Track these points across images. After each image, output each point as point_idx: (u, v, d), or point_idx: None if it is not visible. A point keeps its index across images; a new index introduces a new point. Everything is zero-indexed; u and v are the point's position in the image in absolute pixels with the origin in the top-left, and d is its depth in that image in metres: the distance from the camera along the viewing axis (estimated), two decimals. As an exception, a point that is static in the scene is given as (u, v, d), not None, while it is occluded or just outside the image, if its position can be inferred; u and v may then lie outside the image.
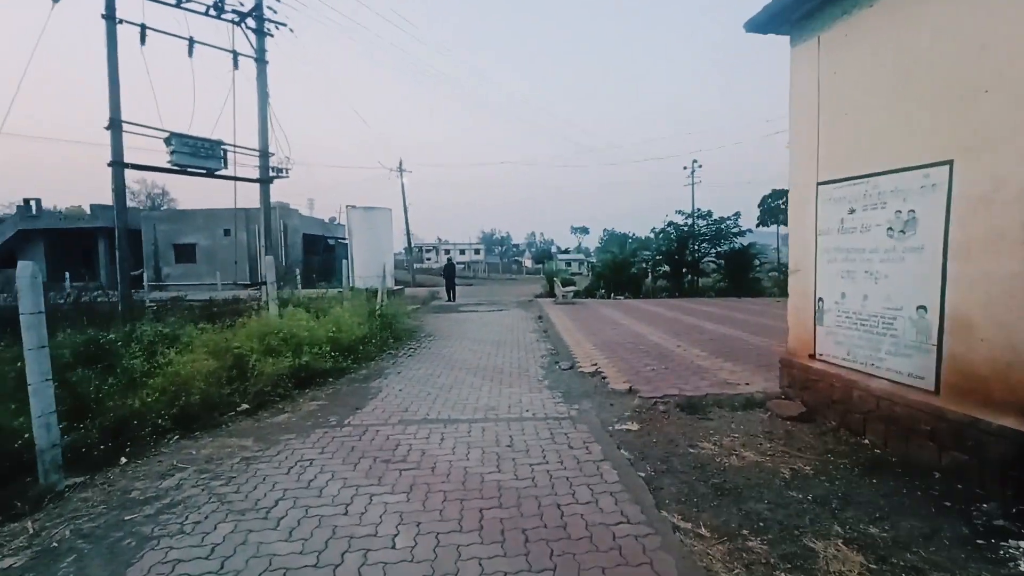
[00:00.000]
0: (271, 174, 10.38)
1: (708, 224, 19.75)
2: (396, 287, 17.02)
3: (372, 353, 7.77)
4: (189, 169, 9.25)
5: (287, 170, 10.31)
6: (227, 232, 29.23)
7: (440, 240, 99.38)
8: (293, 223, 30.35)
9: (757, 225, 21.39)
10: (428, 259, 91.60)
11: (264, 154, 10.29)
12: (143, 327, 7.04)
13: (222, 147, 9.53)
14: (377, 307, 10.64)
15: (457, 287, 20.89)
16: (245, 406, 5.05)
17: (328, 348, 6.54)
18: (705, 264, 20.77)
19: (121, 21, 8.38)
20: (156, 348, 6.28)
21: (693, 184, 34.86)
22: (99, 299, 12.56)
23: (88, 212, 29.21)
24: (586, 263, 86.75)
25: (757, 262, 20.37)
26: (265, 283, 8.17)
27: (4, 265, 31.27)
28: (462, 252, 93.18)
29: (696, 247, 20.31)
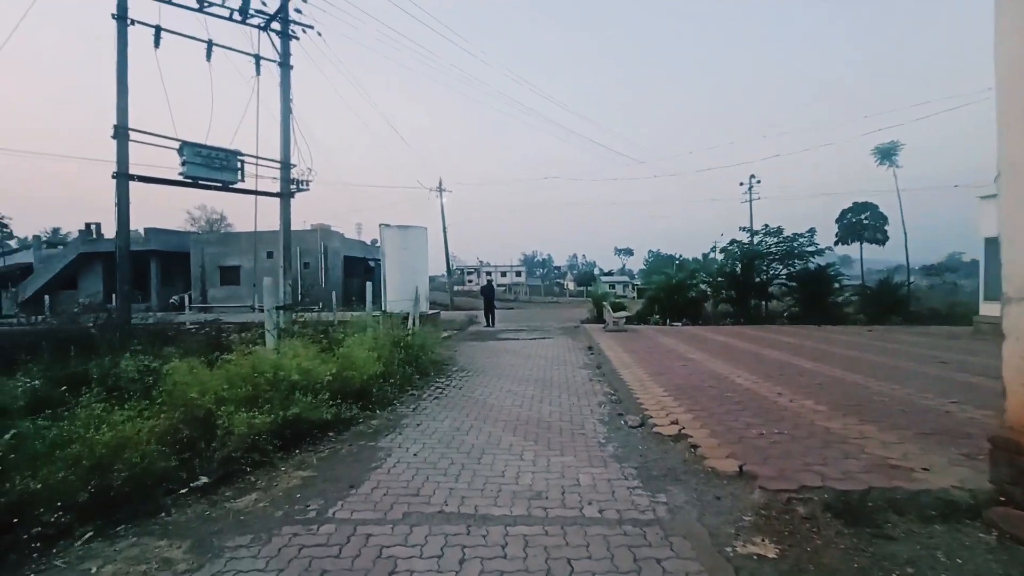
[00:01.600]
0: (292, 188, 9.45)
1: (778, 242, 17.52)
2: (432, 311, 15.83)
3: (390, 396, 6.38)
4: (202, 182, 8.43)
5: (308, 183, 9.37)
6: (270, 255, 29.34)
7: (481, 262, 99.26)
8: (334, 245, 30.20)
9: (836, 243, 18.91)
10: (470, 281, 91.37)
11: (285, 165, 9.39)
12: (127, 361, 5.98)
13: (239, 158, 8.68)
14: (406, 334, 9.35)
15: (497, 311, 19.55)
16: (203, 480, 3.73)
17: (329, 393, 5.19)
18: (775, 287, 18.44)
19: (133, 22, 7.78)
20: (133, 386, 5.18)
21: (751, 200, 32.36)
22: (134, 321, 12.06)
23: (143, 236, 30.17)
24: (630, 285, 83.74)
25: (836, 284, 17.84)
26: (263, 309, 7.05)
27: (68, 286, 32.86)
28: (503, 274, 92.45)
29: (764, 267, 18.04)
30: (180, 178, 8.21)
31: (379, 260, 37.56)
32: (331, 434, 4.98)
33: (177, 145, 8.07)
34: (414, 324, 12.49)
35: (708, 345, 11.41)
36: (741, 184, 32.74)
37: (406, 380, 7.28)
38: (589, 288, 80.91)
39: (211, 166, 8.31)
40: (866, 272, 20.23)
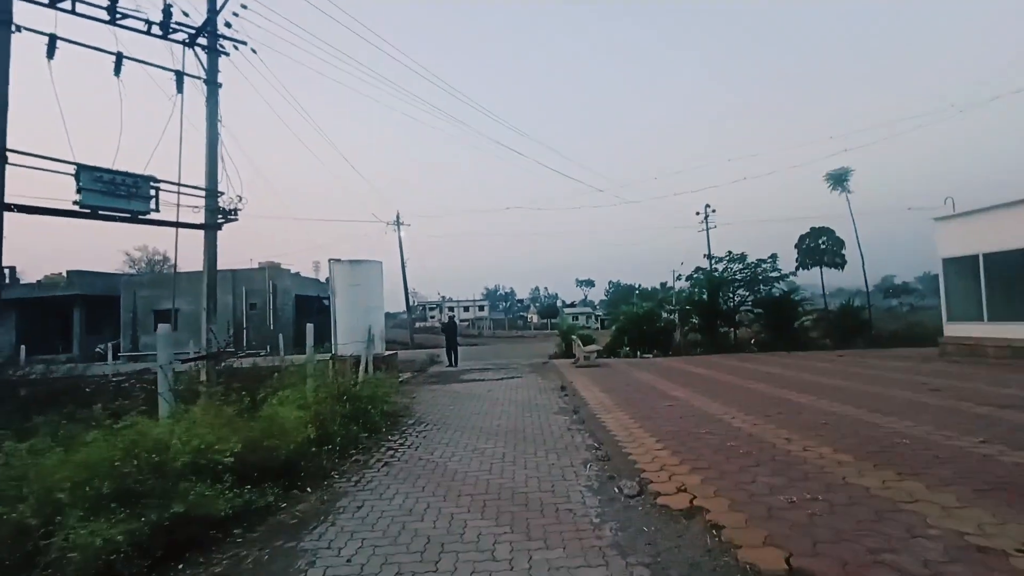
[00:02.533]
0: (219, 219, 8.21)
1: (742, 268, 17.45)
2: (388, 352, 14.49)
3: (326, 467, 5.13)
4: (103, 212, 7.05)
5: (237, 211, 8.13)
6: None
7: (443, 298, 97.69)
8: (284, 284, 28.32)
9: (796, 268, 19.07)
10: (432, 317, 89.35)
11: (211, 194, 8.16)
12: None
13: (152, 184, 7.41)
14: (353, 383, 8.09)
15: (460, 348, 18.38)
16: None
17: (238, 474, 3.94)
18: (741, 314, 18.26)
19: (19, 28, 6.58)
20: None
21: (708, 229, 33.02)
22: (50, 375, 10.17)
23: (64, 279, 27.34)
24: (594, 316, 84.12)
25: (801, 310, 17.82)
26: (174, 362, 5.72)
27: (-29, 339, 29.07)
28: (466, 309, 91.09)
29: (731, 294, 17.86)
30: (76, 208, 6.87)
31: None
32: (238, 531, 3.72)
33: (73, 169, 6.78)
34: (366, 369, 11.19)
35: (687, 379, 10.67)
36: (697, 213, 33.48)
37: (350, 442, 6.03)
38: (554, 320, 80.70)
39: (115, 194, 7.01)
40: (827, 297, 20.55)
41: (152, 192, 7.46)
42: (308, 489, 4.61)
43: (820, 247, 19.02)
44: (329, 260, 13.82)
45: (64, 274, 27.29)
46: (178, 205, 8.17)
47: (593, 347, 14.89)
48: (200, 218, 8.41)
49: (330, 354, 13.11)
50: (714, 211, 33.10)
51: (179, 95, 8.16)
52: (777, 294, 17.58)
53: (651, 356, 16.85)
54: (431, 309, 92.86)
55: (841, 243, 18.84)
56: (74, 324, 27.84)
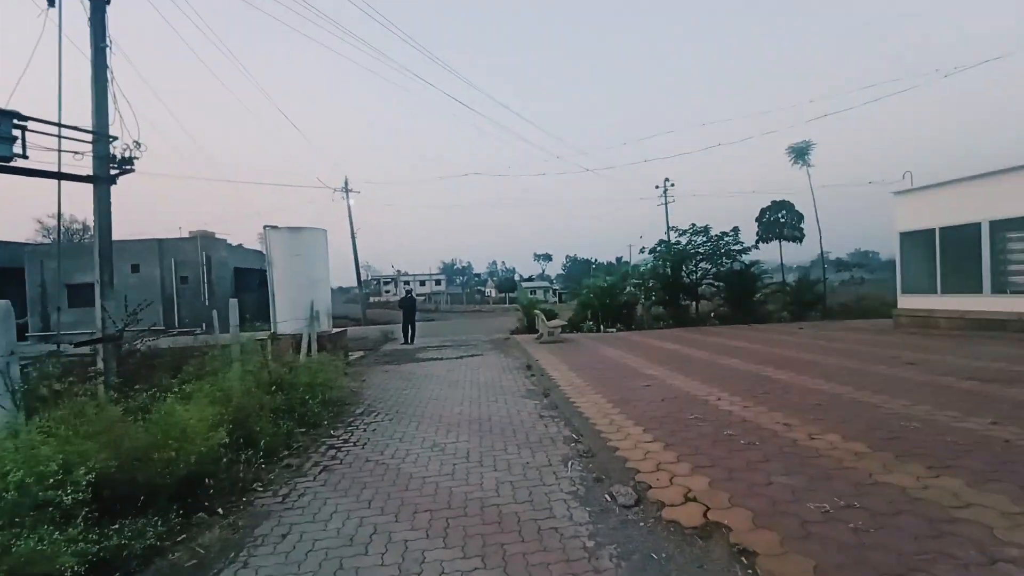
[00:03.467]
0: (113, 169, 6.66)
1: (705, 241, 17.22)
2: (337, 329, 13.24)
3: (246, 478, 4.10)
4: (-59, 157, 5.46)
5: (133, 160, 6.61)
6: (135, 268, 24.49)
7: (399, 272, 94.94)
8: (220, 255, 25.90)
9: (756, 242, 19.09)
10: (387, 292, 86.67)
11: (101, 137, 6.57)
12: None
13: (15, 122, 5.82)
14: (287, 369, 6.97)
15: (419, 323, 17.31)
16: None
17: (103, 504, 2.88)
18: (704, 287, 18.14)
19: None
20: None
21: (667, 203, 33.00)
22: None
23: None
24: (551, 290, 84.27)
25: (760, 283, 17.90)
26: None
27: None
28: (422, 283, 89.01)
29: (694, 267, 17.65)
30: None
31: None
32: (105, 584, 2.69)
33: None
34: (309, 349, 9.99)
35: (658, 355, 10.18)
36: (657, 187, 33.35)
37: (280, 443, 5.00)
38: (512, 295, 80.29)
39: (-40, 132, 5.43)
40: (784, 270, 20.84)
41: (13, 134, 5.86)
42: (219, 511, 3.59)
43: (780, 220, 19.11)
44: (264, 227, 12.29)
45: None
46: (59, 150, 6.54)
47: (557, 322, 14.23)
48: (90, 168, 6.82)
49: (268, 333, 11.77)
50: (673, 185, 33.04)
51: (51, 8, 6.46)
52: (738, 268, 17.55)
53: (615, 330, 16.45)
54: (386, 283, 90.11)
55: (800, 217, 19.00)
56: (-31, 300, 24.41)
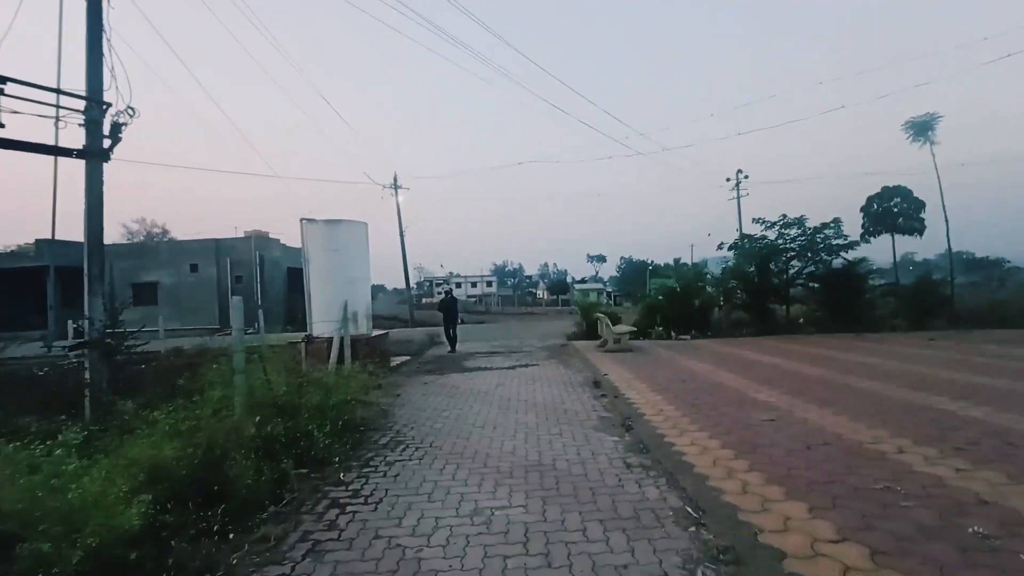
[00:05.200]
0: (105, 140, 5.60)
1: (799, 234, 14.57)
2: (378, 331, 12.05)
3: (184, 568, 2.65)
4: None
5: (122, 127, 5.51)
6: (194, 268, 24.88)
7: (450, 273, 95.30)
8: (273, 255, 25.90)
9: (861, 235, 16.14)
10: (439, 293, 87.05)
11: (95, 103, 5.54)
12: None
13: (-11, 83, 4.85)
14: (299, 382, 5.63)
15: (467, 325, 15.96)
16: None
17: None
18: (795, 289, 15.50)
19: None
20: None
21: (739, 196, 30.00)
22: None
23: (33, 248, 25.13)
24: (605, 292, 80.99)
25: (869, 284, 15.03)
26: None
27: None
28: (474, 285, 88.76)
29: (784, 266, 15.06)
30: None
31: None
32: None
33: None
34: (340, 356, 8.75)
35: (759, 372, 8.10)
36: (728, 179, 30.40)
37: (266, 491, 3.58)
38: (564, 297, 78.14)
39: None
40: (895, 268, 17.58)
41: (-13, 95, 4.87)
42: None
43: (892, 210, 16.02)
44: (301, 220, 11.25)
45: (33, 243, 25.06)
46: (56, 119, 5.56)
47: (624, 328, 12.31)
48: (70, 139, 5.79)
49: (303, 335, 10.74)
50: (747, 176, 30.05)
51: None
52: (839, 266, 14.80)
53: (688, 338, 14.27)
54: (438, 284, 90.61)
55: (920, 204, 15.81)
56: (48, 298, 25.75)
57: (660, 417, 5.43)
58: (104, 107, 5.60)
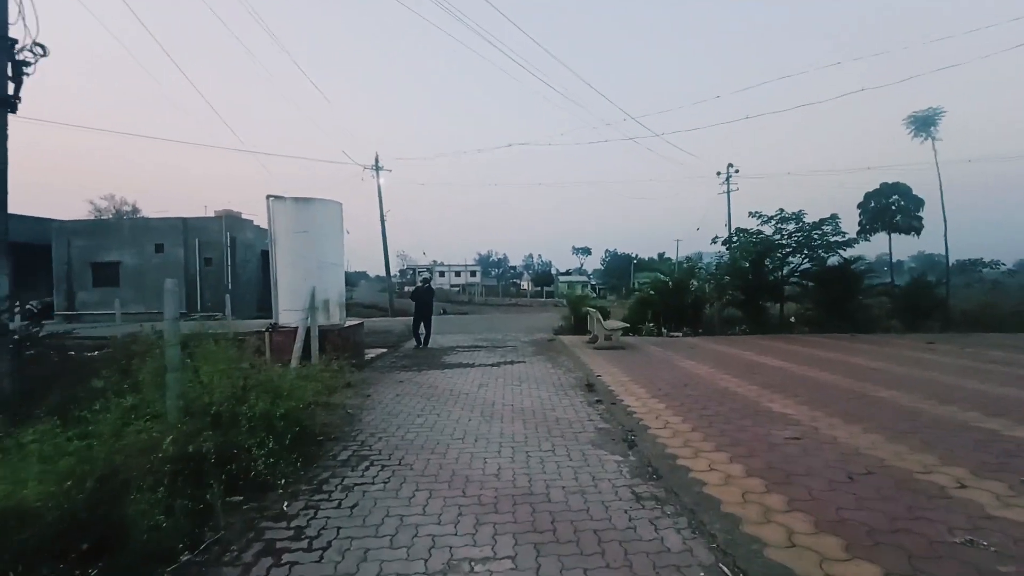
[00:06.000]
0: (10, 88, 4.58)
1: (797, 230, 14.05)
2: (352, 322, 11.14)
3: None
4: None
5: (27, 66, 4.50)
6: (159, 248, 23.43)
7: (435, 262, 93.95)
8: (246, 237, 24.56)
9: (859, 232, 15.72)
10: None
11: (2, 40, 4.51)
12: None
13: None
14: (242, 386, 4.75)
15: (450, 316, 15.07)
16: None
17: None
18: (790, 287, 15.01)
19: None
20: None
21: (729, 191, 29.59)
22: None
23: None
24: (589, 285, 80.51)
25: (865, 284, 14.61)
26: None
27: None
28: (457, 274, 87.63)
29: (779, 262, 14.54)
30: None
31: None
32: None
33: None
34: (302, 351, 7.84)
35: (766, 376, 7.48)
36: (719, 173, 29.95)
37: (180, 531, 2.76)
38: (548, 288, 77.55)
39: None
40: (890, 267, 17.24)
41: None
42: None
43: (891, 207, 15.60)
44: (267, 197, 10.24)
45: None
46: None
47: (617, 323, 11.62)
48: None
49: (267, 325, 9.79)
50: (737, 171, 29.64)
51: None
52: (835, 264, 14.36)
53: (680, 335, 13.70)
54: (420, 272, 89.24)
55: (919, 203, 15.42)
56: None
57: (667, 431, 4.72)
58: (9, 44, 4.57)
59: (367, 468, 4.03)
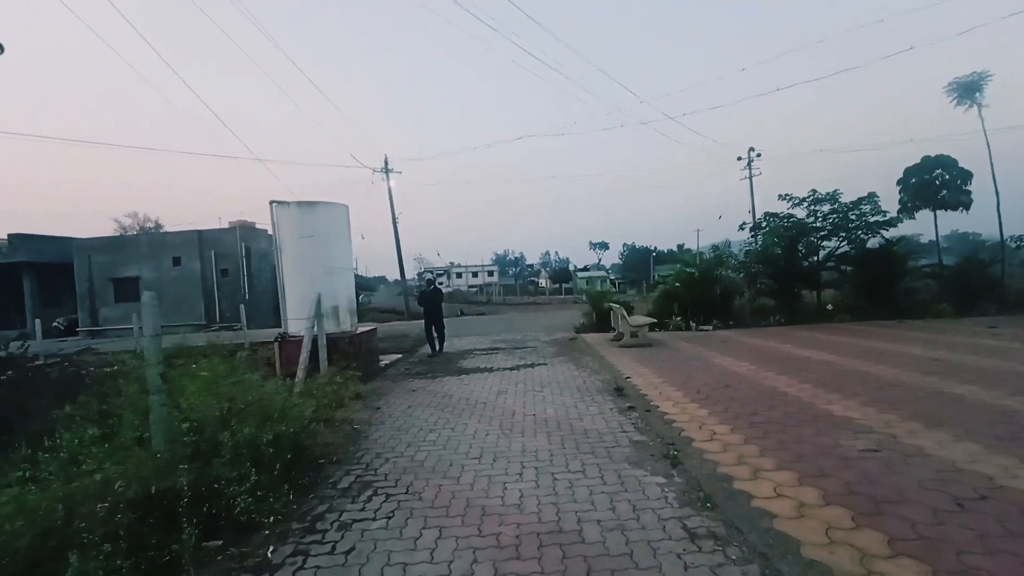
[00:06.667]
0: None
1: (832, 211, 13.05)
2: (364, 328, 10.69)
3: None
4: None
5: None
6: (177, 261, 23.52)
7: (451, 263, 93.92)
8: (260, 247, 24.50)
9: (900, 211, 14.62)
10: (441, 284, 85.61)
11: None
12: None
13: None
14: (227, 407, 4.26)
15: (468, 317, 14.52)
16: None
17: None
18: (826, 272, 14.03)
19: None
20: None
21: (751, 176, 28.41)
22: None
23: (6, 244, 23.77)
24: (608, 280, 79.25)
25: (910, 265, 13.54)
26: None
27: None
28: (475, 275, 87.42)
29: (814, 246, 13.58)
30: None
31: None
32: None
33: None
34: (307, 365, 7.37)
35: (816, 373, 6.73)
36: (740, 159, 28.79)
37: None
38: (567, 285, 76.60)
39: None
40: (937, 247, 15.99)
41: None
42: None
43: (934, 182, 14.43)
44: (271, 203, 9.86)
45: (6, 238, 23.71)
46: None
47: (643, 319, 10.92)
48: None
49: (277, 335, 9.40)
50: (759, 155, 28.44)
51: None
52: (874, 245, 13.36)
53: (710, 328, 12.90)
54: (439, 275, 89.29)
55: (967, 175, 14.23)
56: (26, 296, 24.50)
57: (715, 445, 4.07)
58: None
59: (370, 498, 3.49)
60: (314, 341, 8.03)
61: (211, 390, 4.12)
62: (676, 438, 4.31)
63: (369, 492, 3.60)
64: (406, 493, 3.55)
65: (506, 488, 3.53)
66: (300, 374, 6.93)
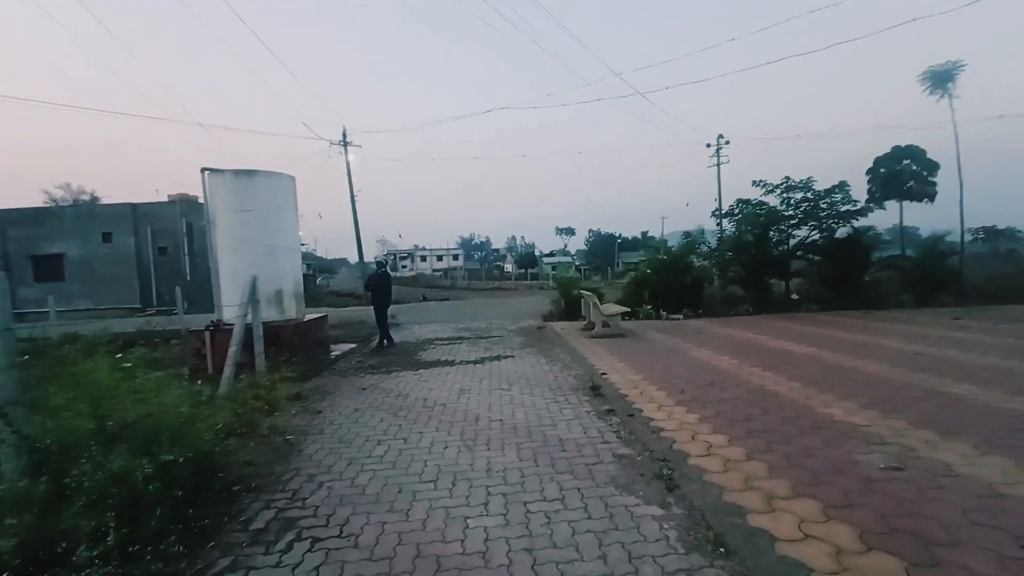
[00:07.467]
0: None
1: (804, 198, 12.89)
2: (312, 315, 9.67)
3: None
4: None
5: None
6: (107, 237, 21.35)
7: (415, 246, 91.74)
8: (203, 222, 22.54)
9: (868, 201, 14.68)
10: (404, 267, 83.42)
11: None
12: None
13: None
14: (99, 426, 3.34)
15: (431, 303, 13.64)
16: None
17: None
18: (795, 262, 13.96)
19: None
20: None
21: (719, 164, 28.40)
22: None
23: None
24: (574, 266, 79.42)
25: (875, 256, 13.60)
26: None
27: None
28: (439, 258, 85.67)
29: (786, 235, 13.42)
30: None
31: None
32: None
33: None
34: (235, 360, 6.35)
35: (803, 369, 6.32)
36: (708, 145, 28.71)
37: None
38: (532, 270, 76.32)
39: None
40: (902, 238, 16.25)
41: None
42: None
43: (903, 173, 14.52)
44: (202, 170, 8.65)
45: None
46: None
47: (616, 308, 10.37)
48: None
49: (208, 323, 8.29)
50: (727, 142, 28.42)
51: None
52: (843, 235, 13.32)
53: (680, 317, 12.56)
54: (402, 258, 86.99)
55: (933, 167, 14.36)
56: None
57: (714, 461, 3.47)
58: None
59: (290, 545, 2.68)
60: (249, 331, 7.01)
61: (91, 400, 3.19)
62: (667, 452, 3.69)
63: (290, 536, 2.79)
64: (339, 536, 2.77)
65: (468, 526, 2.80)
66: (227, 371, 5.94)
